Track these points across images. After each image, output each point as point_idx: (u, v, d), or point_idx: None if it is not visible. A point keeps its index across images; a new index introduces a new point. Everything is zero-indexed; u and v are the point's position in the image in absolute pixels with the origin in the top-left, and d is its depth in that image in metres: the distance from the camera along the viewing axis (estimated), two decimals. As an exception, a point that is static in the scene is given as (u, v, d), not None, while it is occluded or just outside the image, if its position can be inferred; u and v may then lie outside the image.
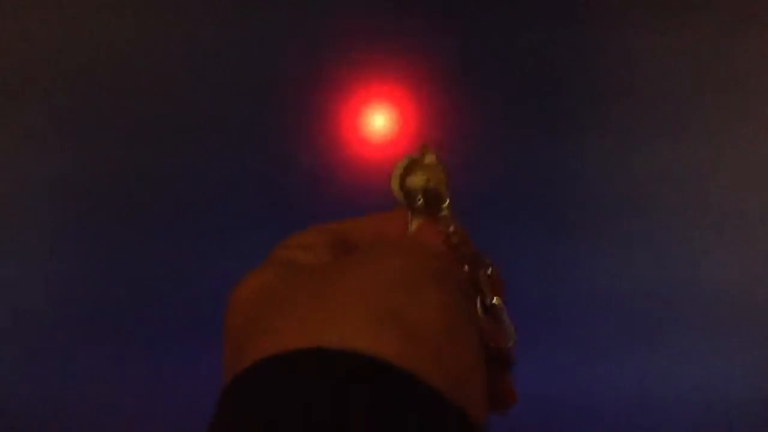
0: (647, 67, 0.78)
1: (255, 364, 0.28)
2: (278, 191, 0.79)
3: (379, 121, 0.74)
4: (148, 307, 0.87)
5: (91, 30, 0.83)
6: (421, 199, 0.37)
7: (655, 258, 0.81)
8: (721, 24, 0.78)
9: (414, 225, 0.37)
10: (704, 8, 0.77)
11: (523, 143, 0.77)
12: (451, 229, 0.35)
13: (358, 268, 0.31)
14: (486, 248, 0.36)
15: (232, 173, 0.81)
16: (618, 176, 0.80)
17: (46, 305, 0.87)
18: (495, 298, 0.35)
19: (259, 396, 0.27)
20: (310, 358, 0.27)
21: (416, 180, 0.37)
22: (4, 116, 0.83)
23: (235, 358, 0.30)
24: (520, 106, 0.77)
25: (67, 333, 0.85)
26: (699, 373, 0.82)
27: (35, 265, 0.88)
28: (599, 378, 0.81)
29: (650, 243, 0.81)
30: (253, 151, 0.80)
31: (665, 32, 0.77)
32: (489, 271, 0.35)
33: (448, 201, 0.37)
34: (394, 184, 0.38)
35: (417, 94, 0.74)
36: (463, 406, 0.28)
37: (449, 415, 0.27)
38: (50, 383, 0.85)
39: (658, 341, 0.82)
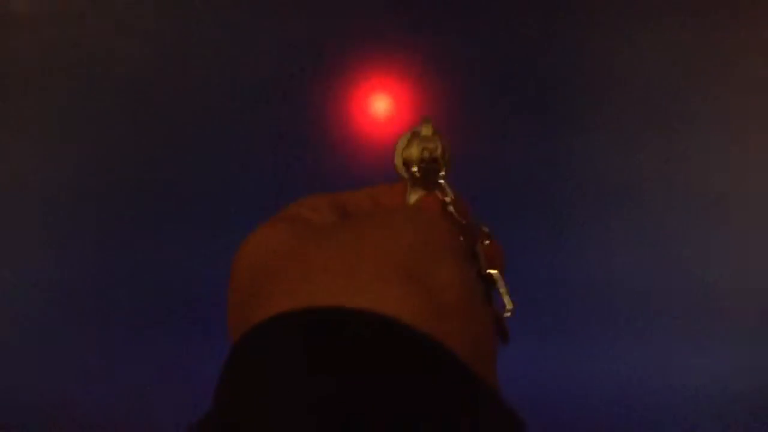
0: (641, 63, 0.79)
1: (270, 320, 0.27)
2: (286, 184, 0.79)
3: (379, 112, 0.74)
4: (156, 304, 0.86)
5: (93, 28, 0.82)
6: (417, 170, 0.37)
7: (644, 251, 0.82)
8: (713, 18, 0.79)
9: (413, 196, 0.38)
10: (697, 4, 0.78)
11: (517, 137, 0.77)
12: (449, 198, 0.36)
13: (375, 232, 0.31)
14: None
15: (239, 166, 0.81)
16: (608, 171, 0.80)
17: (50, 303, 0.87)
18: (492, 269, 0.35)
19: (276, 352, 0.26)
20: (330, 316, 0.27)
21: (413, 151, 0.38)
22: (11, 117, 0.83)
23: (246, 313, 0.29)
24: (517, 101, 0.77)
25: (74, 331, 0.85)
26: (687, 363, 0.83)
27: (42, 264, 0.87)
28: (593, 368, 0.81)
29: (640, 237, 0.82)
30: (258, 144, 0.80)
31: (656, 29, 0.78)
32: (486, 242, 0.36)
33: (444, 171, 0.38)
34: (396, 158, 0.38)
35: (418, 86, 0.75)
36: (479, 371, 0.28)
37: (468, 380, 0.27)
38: (61, 380, 0.85)
39: (649, 332, 0.82)
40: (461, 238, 0.34)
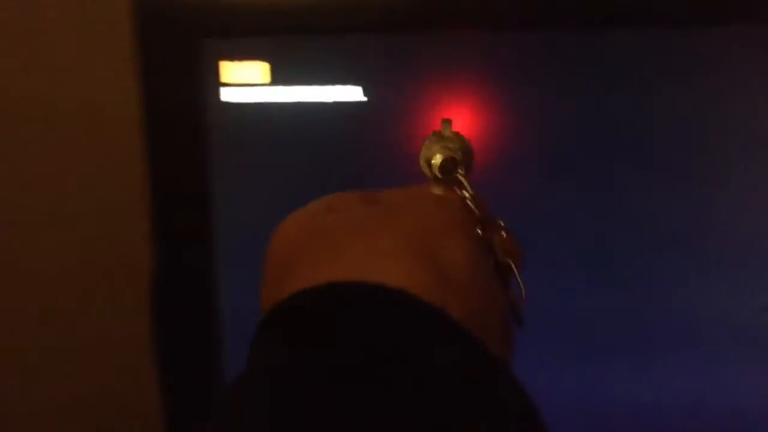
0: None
1: (294, 295, 0.29)
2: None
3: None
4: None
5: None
6: (438, 168, 0.39)
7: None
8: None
9: (434, 192, 0.39)
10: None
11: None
12: (466, 193, 0.37)
13: (394, 214, 0.33)
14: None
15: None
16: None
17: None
18: (507, 258, 0.36)
19: (298, 324, 0.28)
20: (343, 290, 0.29)
21: (435, 151, 0.39)
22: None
23: (276, 288, 0.32)
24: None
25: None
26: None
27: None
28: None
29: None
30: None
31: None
32: (503, 234, 0.37)
33: (462, 168, 0.39)
34: (421, 159, 0.40)
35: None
36: (487, 343, 0.29)
37: (475, 350, 0.28)
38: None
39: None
40: (478, 230, 0.36)
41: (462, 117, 0.73)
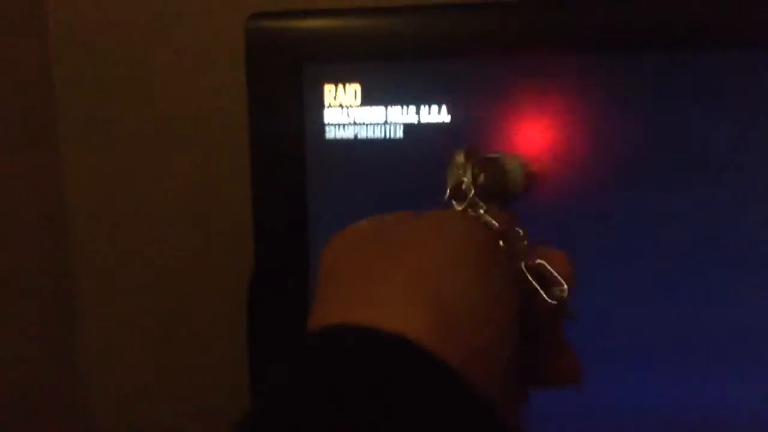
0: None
1: (316, 332, 0.29)
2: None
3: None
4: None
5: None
6: (450, 194, 0.40)
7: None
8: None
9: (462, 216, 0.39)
10: None
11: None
12: (482, 210, 0.37)
13: (401, 252, 0.32)
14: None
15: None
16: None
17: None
18: (535, 261, 0.36)
19: (298, 371, 0.27)
20: (342, 334, 0.28)
21: (453, 177, 0.40)
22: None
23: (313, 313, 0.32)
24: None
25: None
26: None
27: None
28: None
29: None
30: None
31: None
32: (525, 242, 0.37)
33: (476, 190, 0.39)
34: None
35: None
36: (490, 397, 0.28)
37: (476, 404, 0.27)
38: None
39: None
40: (500, 243, 0.35)
41: (546, 140, 0.75)
